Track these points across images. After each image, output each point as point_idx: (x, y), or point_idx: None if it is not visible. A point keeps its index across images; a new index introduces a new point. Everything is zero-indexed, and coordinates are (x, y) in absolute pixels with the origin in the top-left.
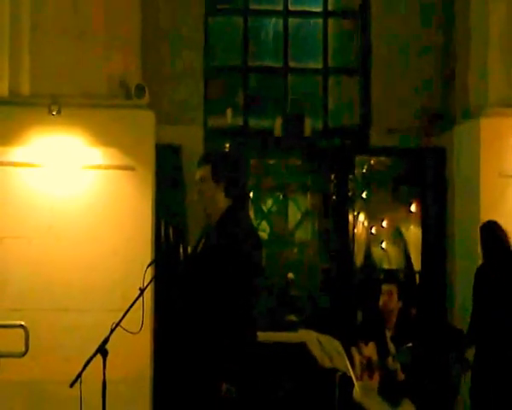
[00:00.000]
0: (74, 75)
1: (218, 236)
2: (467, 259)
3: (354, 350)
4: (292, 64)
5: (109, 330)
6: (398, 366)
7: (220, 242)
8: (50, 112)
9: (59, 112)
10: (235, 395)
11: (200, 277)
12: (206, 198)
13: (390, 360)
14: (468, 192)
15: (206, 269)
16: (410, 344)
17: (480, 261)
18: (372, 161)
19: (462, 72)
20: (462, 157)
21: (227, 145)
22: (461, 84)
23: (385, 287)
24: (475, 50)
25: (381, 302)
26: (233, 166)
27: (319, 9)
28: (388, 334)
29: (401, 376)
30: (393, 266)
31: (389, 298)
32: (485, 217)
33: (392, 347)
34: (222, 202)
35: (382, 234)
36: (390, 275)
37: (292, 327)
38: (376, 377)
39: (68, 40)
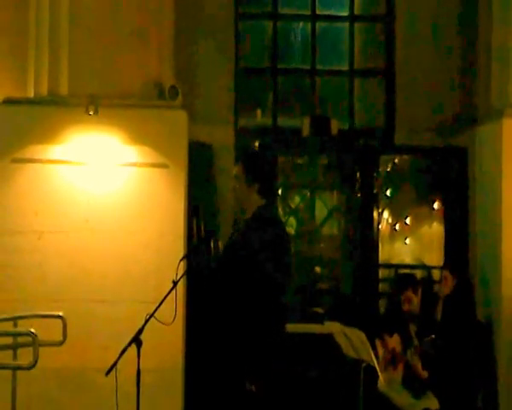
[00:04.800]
0: (110, 77)
1: (249, 234)
2: (488, 257)
3: (378, 342)
4: (319, 66)
5: (143, 320)
6: (418, 362)
7: (250, 243)
8: (88, 112)
9: (96, 112)
10: (262, 390)
11: (230, 273)
12: (240, 195)
13: (409, 352)
14: (490, 192)
15: (236, 268)
16: (433, 336)
17: (502, 259)
18: (396, 160)
19: (483, 73)
20: (484, 157)
21: (256, 144)
22: (483, 86)
23: (403, 295)
24: (497, 52)
25: (404, 307)
26: (266, 167)
27: (346, 14)
28: (413, 328)
29: (423, 374)
30: (415, 262)
31: (411, 303)
32: (506, 216)
33: (415, 340)
34: (255, 199)
35: (406, 231)
36: (407, 277)
37: (318, 319)
38: (400, 368)
39: (105, 43)
